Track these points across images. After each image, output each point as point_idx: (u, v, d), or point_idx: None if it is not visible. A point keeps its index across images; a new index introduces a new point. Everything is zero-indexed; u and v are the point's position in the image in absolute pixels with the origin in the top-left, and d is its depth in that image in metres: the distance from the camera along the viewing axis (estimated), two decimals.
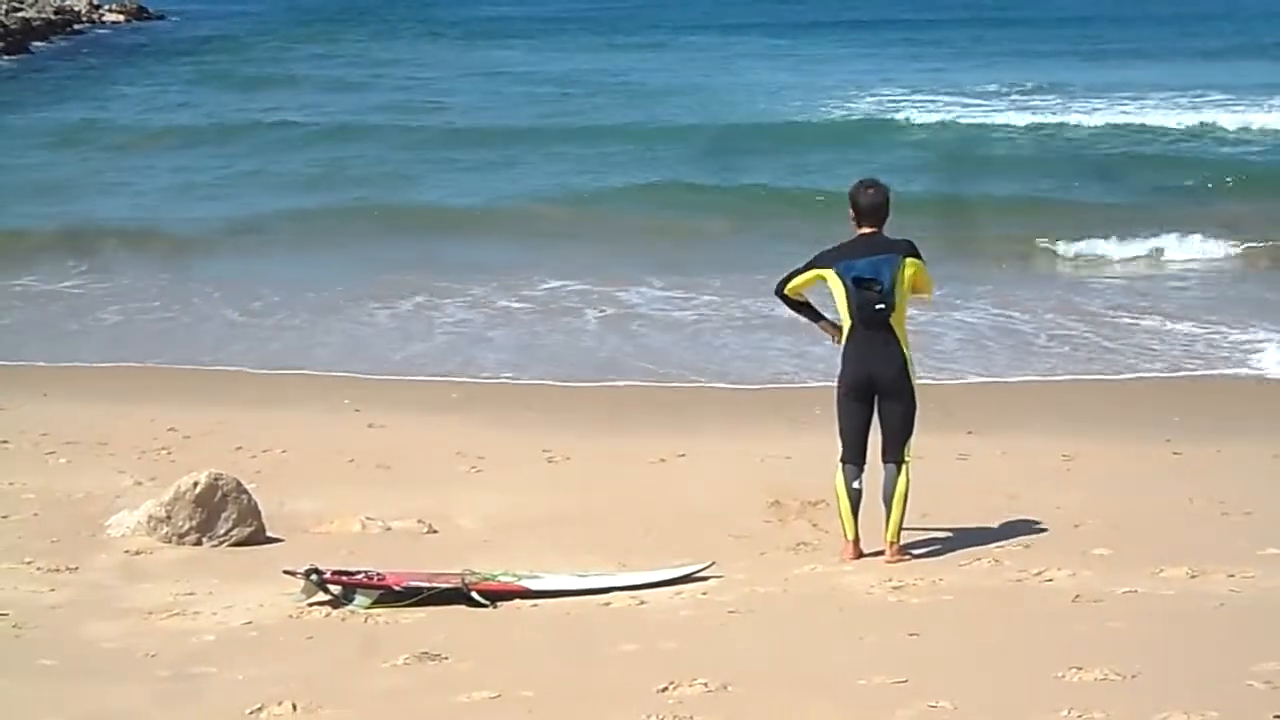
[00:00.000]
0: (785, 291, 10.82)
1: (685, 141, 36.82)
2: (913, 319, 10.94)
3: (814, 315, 10.94)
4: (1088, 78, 47.55)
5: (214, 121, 41.65)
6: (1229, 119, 37.86)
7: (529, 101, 45.44)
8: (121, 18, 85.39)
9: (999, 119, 39.76)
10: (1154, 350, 18.62)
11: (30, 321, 21.41)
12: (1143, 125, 37.89)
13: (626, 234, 26.80)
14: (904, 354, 10.62)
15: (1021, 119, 39.41)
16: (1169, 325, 19.77)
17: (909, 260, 10.52)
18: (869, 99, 43.95)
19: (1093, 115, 39.68)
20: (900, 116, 40.06)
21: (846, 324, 10.64)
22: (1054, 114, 40.21)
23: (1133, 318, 20.45)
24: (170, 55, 62.43)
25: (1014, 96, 43.68)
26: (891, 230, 10.76)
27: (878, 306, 10.46)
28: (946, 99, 43.48)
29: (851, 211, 10.71)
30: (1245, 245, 24.99)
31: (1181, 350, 18.57)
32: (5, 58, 61.77)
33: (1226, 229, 25.75)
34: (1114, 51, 57.39)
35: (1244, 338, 19.02)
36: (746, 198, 30.03)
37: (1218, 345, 18.76)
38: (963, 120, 39.75)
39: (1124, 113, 39.84)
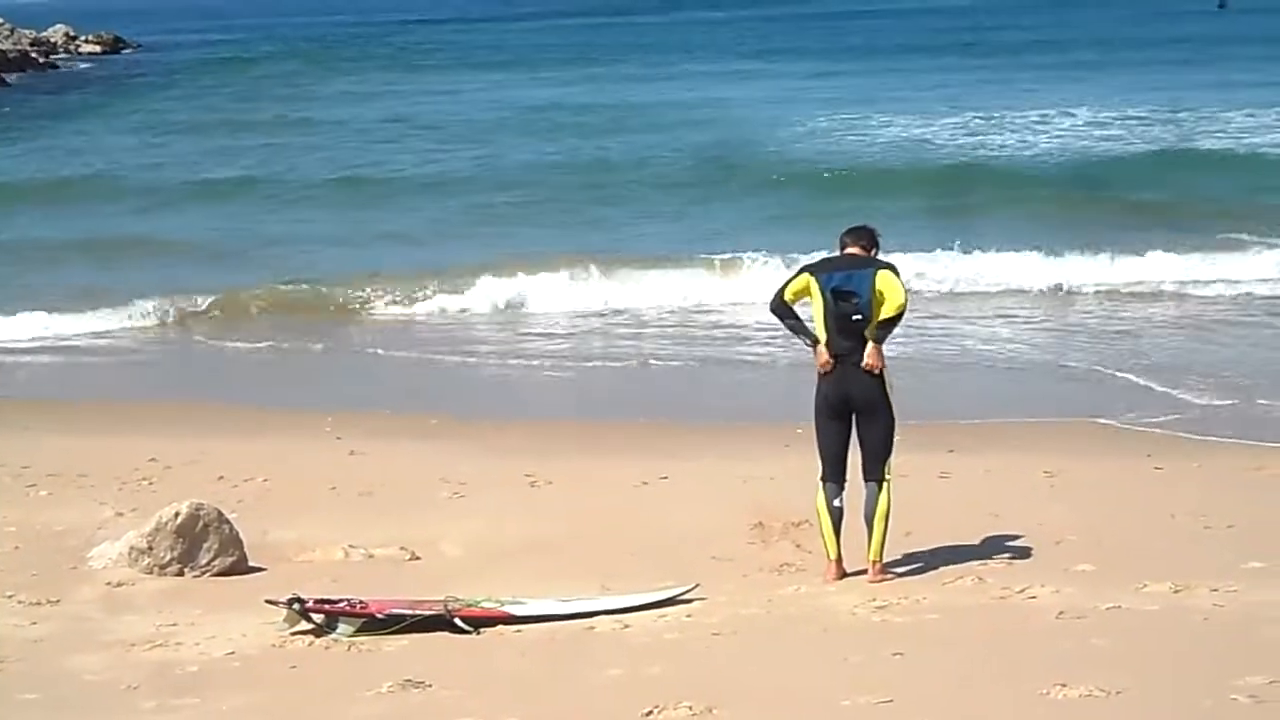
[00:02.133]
0: (784, 298, 10.84)
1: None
2: (894, 341, 10.94)
3: (802, 328, 10.92)
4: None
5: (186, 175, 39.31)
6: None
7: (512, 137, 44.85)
8: (98, 48, 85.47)
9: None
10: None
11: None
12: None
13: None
14: (881, 373, 10.66)
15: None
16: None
17: (881, 273, 10.58)
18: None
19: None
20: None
21: (823, 337, 10.69)
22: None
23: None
24: (141, 92, 61.99)
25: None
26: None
27: (855, 317, 10.55)
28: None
29: (839, 249, 10.96)
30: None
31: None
32: None
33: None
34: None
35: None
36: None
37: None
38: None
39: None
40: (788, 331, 11.15)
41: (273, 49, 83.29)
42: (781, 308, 10.87)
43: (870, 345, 10.62)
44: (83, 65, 76.65)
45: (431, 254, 27.57)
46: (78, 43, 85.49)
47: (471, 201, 33.70)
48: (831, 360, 10.72)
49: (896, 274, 10.69)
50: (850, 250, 10.86)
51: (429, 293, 24.20)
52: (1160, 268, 24.43)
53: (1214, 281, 23.79)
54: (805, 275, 10.80)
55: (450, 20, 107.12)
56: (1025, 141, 39.61)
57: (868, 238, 10.93)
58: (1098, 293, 23.64)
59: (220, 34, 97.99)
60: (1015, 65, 60.42)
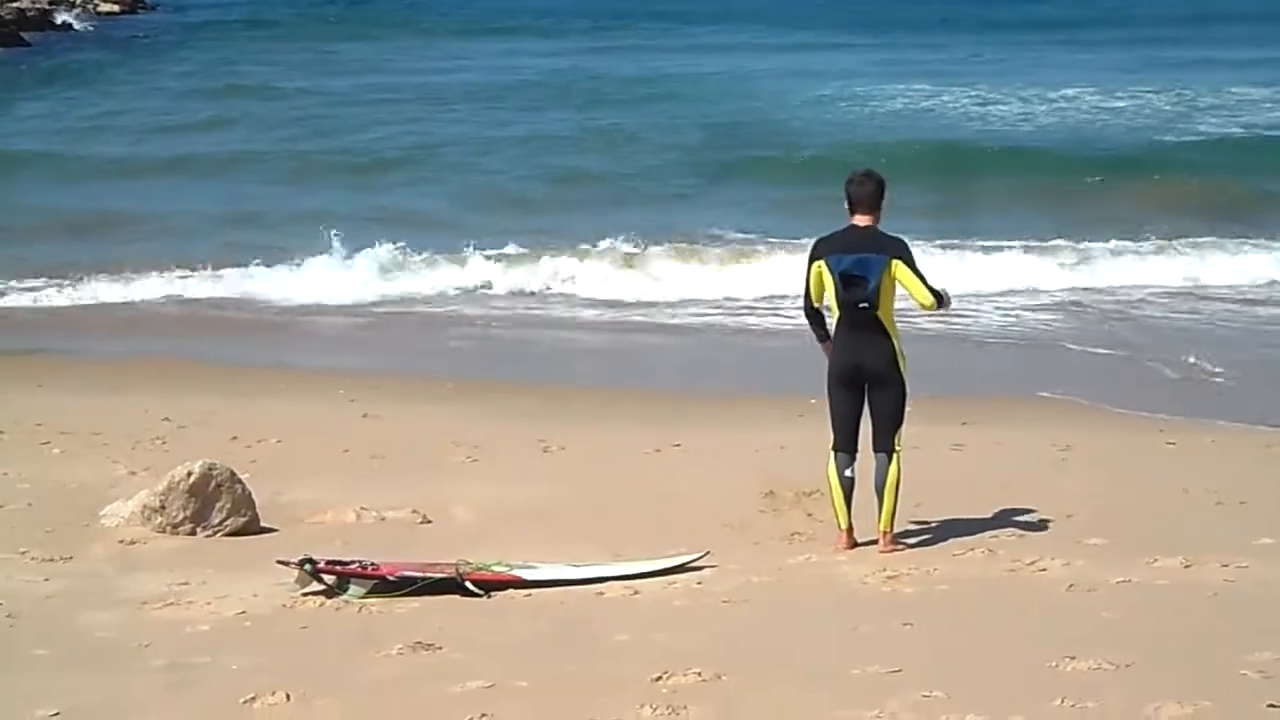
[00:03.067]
0: (813, 304, 10.76)
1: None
2: (903, 314, 10.89)
3: (823, 334, 10.87)
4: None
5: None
6: None
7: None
8: (116, 8, 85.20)
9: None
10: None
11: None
12: None
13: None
14: (893, 344, 10.60)
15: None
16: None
17: (896, 262, 10.47)
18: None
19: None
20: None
21: (836, 313, 10.65)
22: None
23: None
24: (161, 53, 61.67)
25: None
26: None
27: (861, 305, 10.46)
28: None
29: (846, 204, 10.73)
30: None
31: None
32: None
33: None
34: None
35: None
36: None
37: None
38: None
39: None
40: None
41: (289, 11, 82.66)
42: (813, 314, 10.81)
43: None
44: (85, 26, 75.45)
45: (449, 222, 27.66)
46: (96, 2, 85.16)
47: (493, 175, 33.32)
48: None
49: (912, 263, 10.47)
50: (859, 219, 10.60)
51: (447, 260, 24.14)
52: (1183, 252, 24.39)
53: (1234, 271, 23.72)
54: (817, 265, 10.60)
55: None
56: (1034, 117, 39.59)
57: (875, 189, 10.59)
58: (1118, 277, 23.54)
59: None
60: (1033, 42, 59.89)
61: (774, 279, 21.43)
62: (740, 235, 25.52)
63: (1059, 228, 25.75)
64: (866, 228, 10.59)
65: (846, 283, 10.45)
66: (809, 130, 37.44)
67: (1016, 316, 20.94)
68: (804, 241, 18.96)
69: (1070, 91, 43.34)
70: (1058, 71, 48.29)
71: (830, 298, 10.61)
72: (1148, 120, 38.68)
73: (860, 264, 10.43)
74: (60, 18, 75.93)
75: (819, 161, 32.13)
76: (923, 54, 55.98)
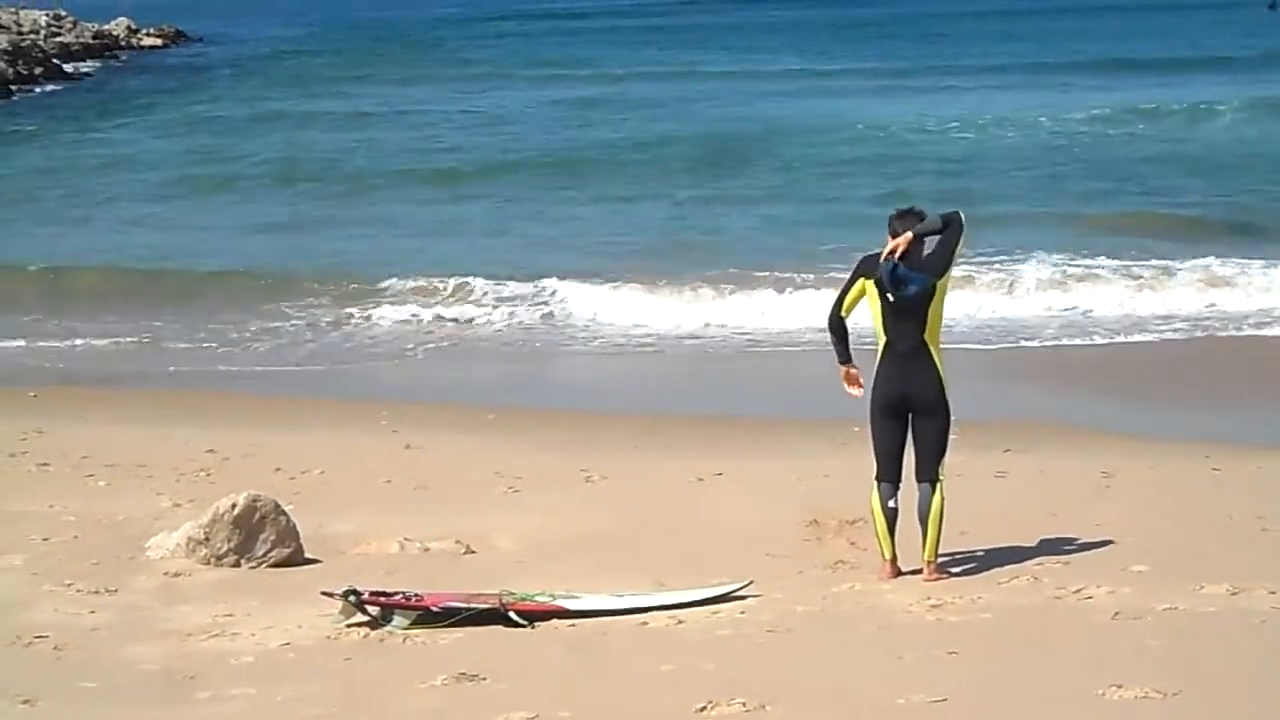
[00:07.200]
0: (841, 314, 10.73)
1: None
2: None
3: (842, 350, 10.82)
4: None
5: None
6: None
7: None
8: (159, 41, 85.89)
9: None
10: None
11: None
12: None
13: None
14: (938, 372, 10.57)
15: None
16: None
17: (939, 284, 10.46)
18: None
19: None
20: None
21: (881, 341, 10.61)
22: None
23: None
24: (195, 87, 61.75)
25: None
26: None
27: (904, 321, 10.41)
28: None
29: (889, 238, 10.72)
30: None
31: None
32: (48, 84, 61.71)
33: None
34: None
35: None
36: None
37: None
38: None
39: None
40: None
41: (323, 46, 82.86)
42: (837, 324, 10.73)
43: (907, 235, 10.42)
44: (85, 67, 73.64)
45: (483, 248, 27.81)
46: (139, 36, 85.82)
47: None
48: (859, 383, 10.71)
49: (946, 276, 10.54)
50: None
51: (490, 286, 24.19)
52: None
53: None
54: (859, 282, 10.58)
55: (526, 15, 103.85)
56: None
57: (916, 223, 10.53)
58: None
59: (281, 28, 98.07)
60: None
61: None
62: None
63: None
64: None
65: (893, 283, 10.36)
66: None
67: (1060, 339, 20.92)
68: None
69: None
70: None
71: (876, 320, 10.56)
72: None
73: (905, 272, 10.37)
74: (104, 51, 76.39)
75: None
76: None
